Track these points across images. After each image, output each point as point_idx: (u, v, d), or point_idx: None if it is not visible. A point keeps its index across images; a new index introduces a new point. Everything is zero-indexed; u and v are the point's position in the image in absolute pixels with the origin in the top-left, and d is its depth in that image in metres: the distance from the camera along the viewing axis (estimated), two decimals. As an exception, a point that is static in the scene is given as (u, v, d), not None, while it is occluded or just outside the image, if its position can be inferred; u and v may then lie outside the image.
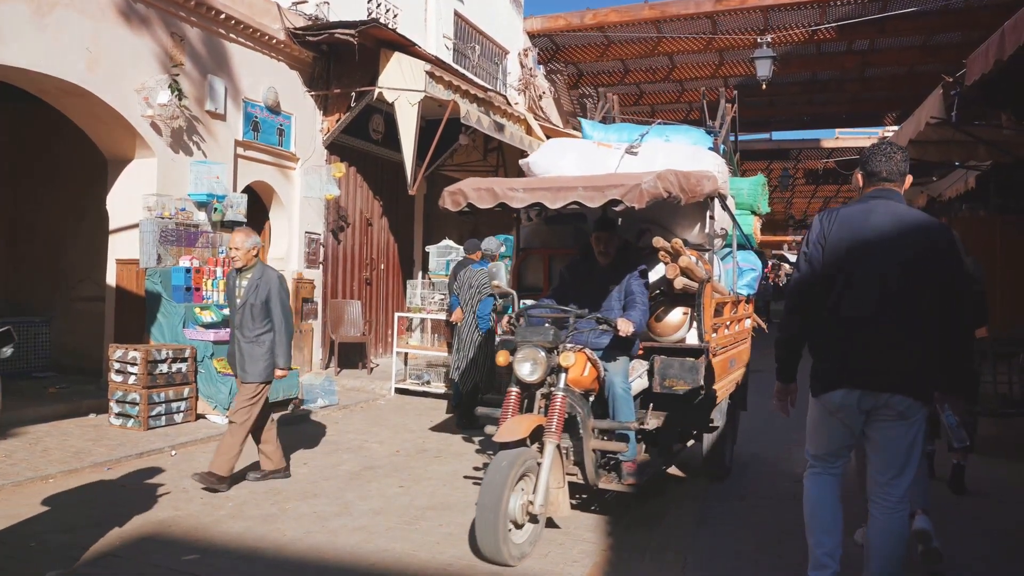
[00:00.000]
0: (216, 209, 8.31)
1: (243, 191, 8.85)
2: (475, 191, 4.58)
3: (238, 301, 5.29)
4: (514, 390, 4.23)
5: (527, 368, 4.13)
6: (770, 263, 42.31)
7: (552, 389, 4.18)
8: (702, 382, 4.66)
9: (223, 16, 8.45)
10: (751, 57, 11.90)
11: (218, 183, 8.23)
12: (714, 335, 5.02)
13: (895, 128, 12.15)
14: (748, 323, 6.72)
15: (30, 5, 6.50)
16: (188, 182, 8.13)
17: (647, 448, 5.00)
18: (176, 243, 7.86)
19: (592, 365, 4.42)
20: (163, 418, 6.90)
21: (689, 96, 15.84)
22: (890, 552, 3.02)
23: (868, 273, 3.00)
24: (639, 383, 4.79)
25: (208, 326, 7.59)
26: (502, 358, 4.22)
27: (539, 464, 3.97)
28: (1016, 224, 9.70)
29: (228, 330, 8.08)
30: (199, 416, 7.29)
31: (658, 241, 4.58)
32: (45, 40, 6.66)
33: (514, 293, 4.63)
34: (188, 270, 7.62)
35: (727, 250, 6.04)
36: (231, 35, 8.73)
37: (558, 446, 4.06)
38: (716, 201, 5.08)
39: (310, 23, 9.71)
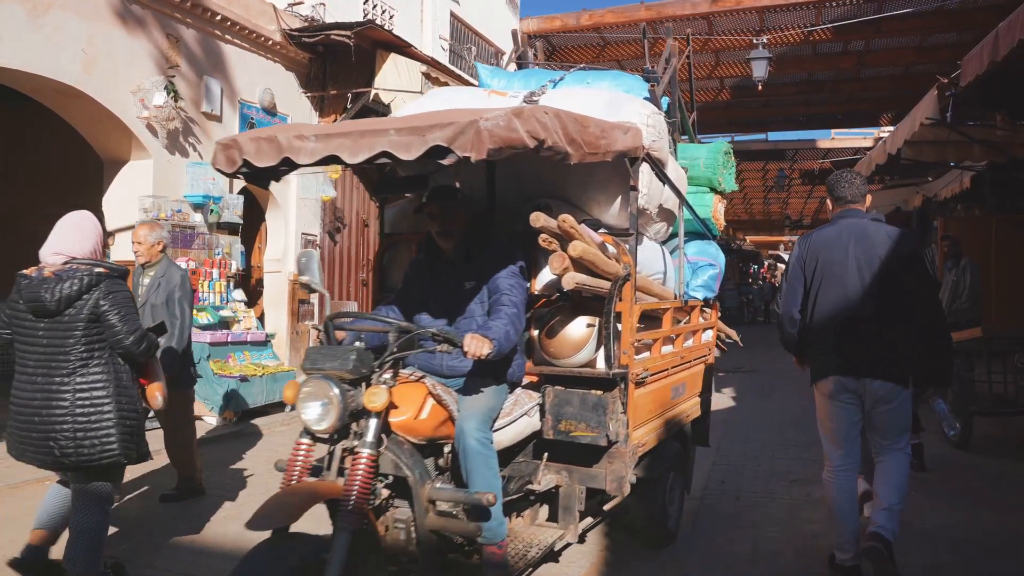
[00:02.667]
0: (212, 211, 8.30)
1: (239, 192, 8.85)
2: (253, 143, 3.00)
3: (139, 301, 4.69)
4: (304, 442, 2.79)
5: (313, 411, 2.72)
6: (766, 263, 42.44)
7: (357, 443, 2.72)
8: (613, 427, 3.32)
9: (219, 17, 8.45)
10: (747, 58, 11.92)
11: (214, 184, 8.22)
12: (640, 356, 3.69)
13: (891, 128, 12.17)
14: (708, 335, 5.12)
15: (25, 6, 6.49)
16: (184, 184, 8.13)
17: (551, 514, 3.65)
18: (172, 245, 7.85)
19: (438, 403, 3.06)
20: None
21: (687, 97, 15.87)
22: (896, 479, 3.62)
23: (845, 280, 3.59)
24: (522, 426, 3.36)
25: (204, 328, 7.58)
26: (289, 391, 2.82)
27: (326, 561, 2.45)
28: (1011, 223, 9.72)
29: (225, 332, 8.10)
30: (196, 418, 7.27)
31: (537, 218, 3.16)
32: (41, 41, 6.65)
33: (324, 292, 3.33)
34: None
35: (677, 240, 4.67)
36: (227, 36, 8.73)
37: (368, 531, 2.69)
38: (644, 166, 3.67)
39: (306, 24, 9.70)
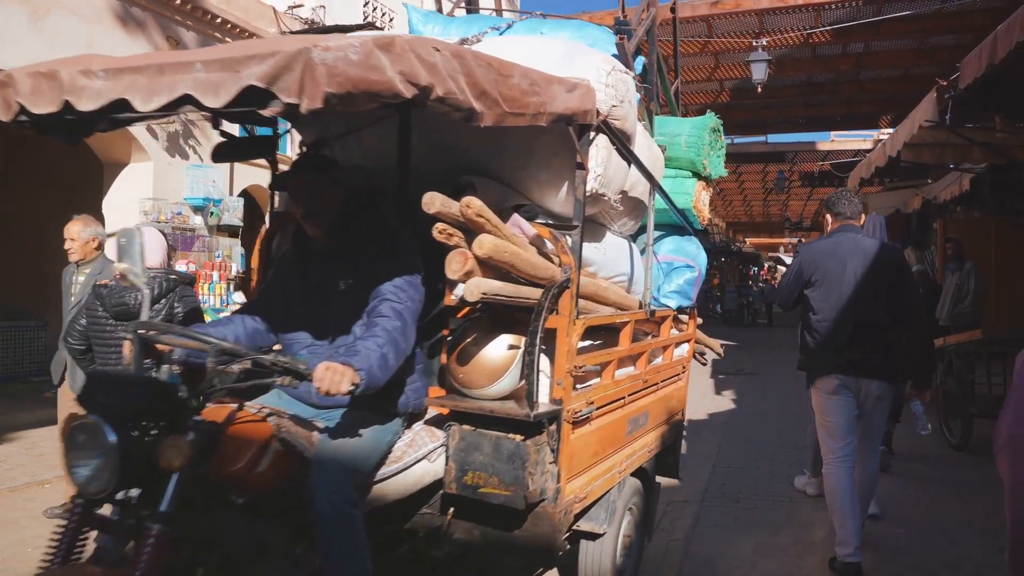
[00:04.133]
0: (213, 213, 8.31)
1: (239, 195, 8.85)
2: (31, 79, 2.09)
3: (72, 299, 4.41)
4: (79, 502, 1.98)
5: (81, 471, 1.93)
6: (766, 265, 42.47)
7: (148, 515, 1.92)
8: (536, 482, 2.49)
9: (219, 20, 8.46)
10: (746, 60, 11.93)
11: (214, 187, 8.23)
12: (586, 385, 2.89)
13: (890, 130, 12.18)
14: (683, 350, 4.28)
15: (26, 8, 6.50)
16: (184, 186, 8.14)
17: None
18: (172, 247, 7.86)
19: (286, 448, 2.26)
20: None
21: (685, 99, 15.87)
22: (869, 486, 4.13)
23: (843, 290, 3.90)
24: (419, 473, 2.60)
25: (204, 330, 7.57)
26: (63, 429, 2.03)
27: None
28: (1010, 225, 9.73)
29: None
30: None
31: (432, 201, 2.26)
32: (41, 43, 6.66)
33: (143, 287, 2.51)
34: (184, 274, 7.62)
35: (662, 237, 4.13)
36: (227, 39, 8.73)
37: None
38: (601, 140, 2.81)
39: (306, 27, 9.71)
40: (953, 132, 7.78)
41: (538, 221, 2.89)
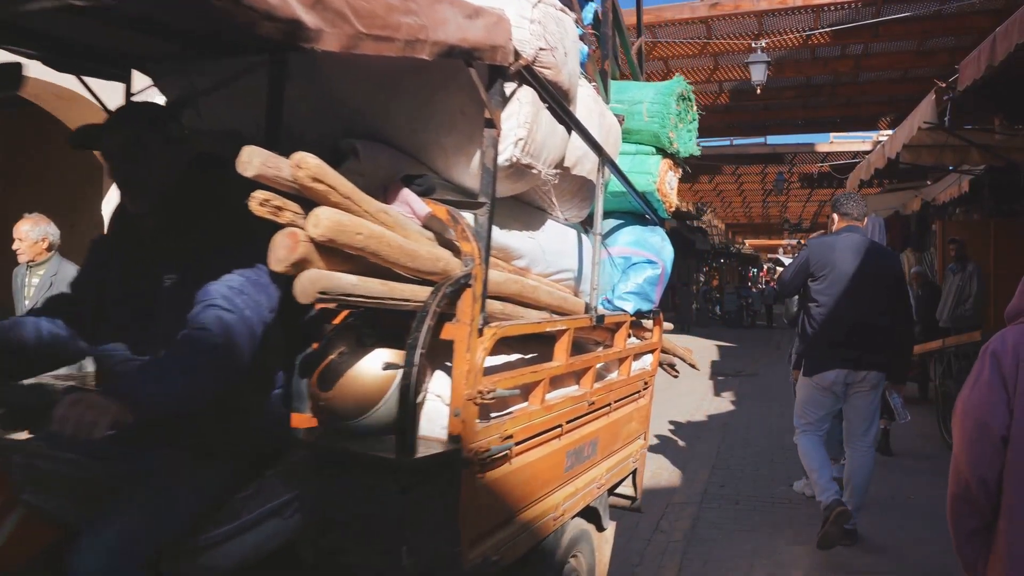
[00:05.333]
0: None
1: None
2: None
3: (26, 303, 4.10)
4: None
5: None
6: (765, 267, 42.49)
7: None
8: (420, 552, 1.88)
9: (218, 21, 8.45)
10: (745, 62, 11.94)
11: (213, 188, 8.22)
12: (498, 415, 2.18)
13: (889, 132, 12.19)
14: (646, 362, 3.64)
15: (25, 10, 6.50)
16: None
17: None
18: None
19: (36, 517, 1.61)
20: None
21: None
22: (863, 477, 4.33)
23: (847, 288, 4.17)
24: (267, 533, 1.86)
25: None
26: None
27: None
28: (1009, 227, 9.74)
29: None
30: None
31: (249, 159, 1.61)
32: (40, 45, 6.65)
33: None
34: (183, 275, 7.59)
35: (621, 226, 3.55)
36: (226, 40, 8.72)
37: None
38: (524, 92, 2.20)
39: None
40: (952, 134, 7.79)
41: (446, 199, 2.21)
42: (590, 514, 3.01)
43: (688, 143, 3.73)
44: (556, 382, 2.57)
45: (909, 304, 4.52)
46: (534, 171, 2.35)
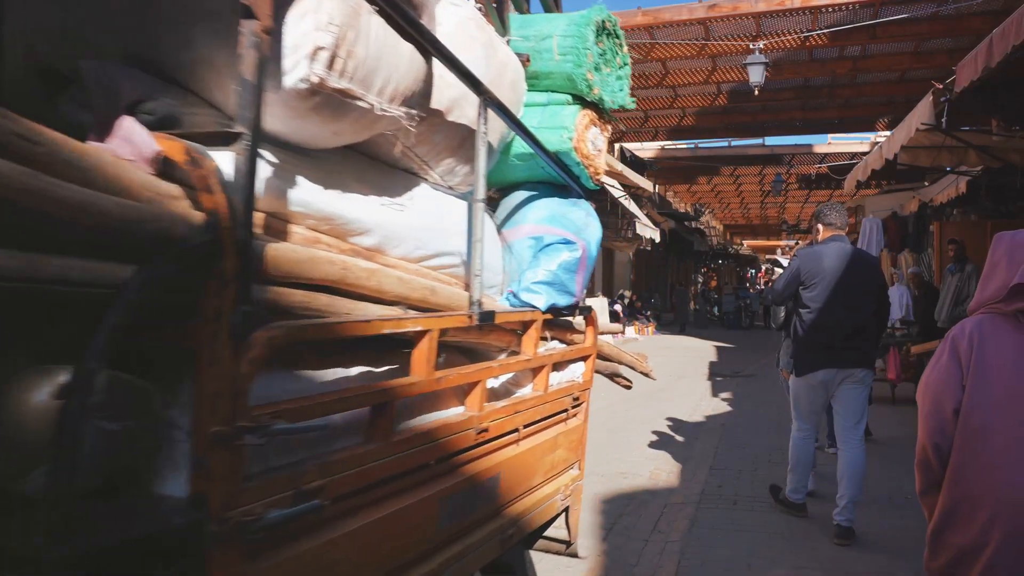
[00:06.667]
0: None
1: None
2: None
3: None
4: None
5: None
6: (763, 268, 42.53)
7: None
8: None
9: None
10: (744, 63, 11.96)
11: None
12: (309, 457, 1.54)
13: (887, 133, 12.21)
14: (576, 371, 2.97)
15: (23, 11, 6.49)
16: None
17: None
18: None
19: None
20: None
21: (682, 102, 15.90)
22: (855, 472, 4.43)
23: (836, 293, 4.44)
24: None
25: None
26: None
27: None
28: (1006, 228, 9.76)
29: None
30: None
31: None
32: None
33: None
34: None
35: (532, 199, 2.83)
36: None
37: None
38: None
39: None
40: (949, 135, 7.82)
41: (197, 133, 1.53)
42: (500, 572, 2.44)
43: (617, 92, 3.02)
44: (422, 405, 1.94)
45: (888, 307, 4.90)
46: (361, 103, 1.64)
